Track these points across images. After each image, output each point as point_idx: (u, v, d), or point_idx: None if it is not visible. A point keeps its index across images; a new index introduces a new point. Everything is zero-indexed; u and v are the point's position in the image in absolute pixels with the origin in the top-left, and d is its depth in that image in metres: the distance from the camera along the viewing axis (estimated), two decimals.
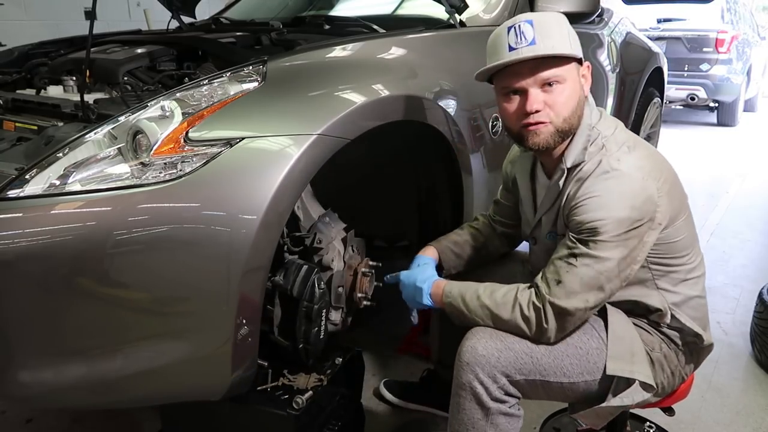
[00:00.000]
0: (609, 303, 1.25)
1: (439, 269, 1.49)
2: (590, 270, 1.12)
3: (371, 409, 1.83)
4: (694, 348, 1.29)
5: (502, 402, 1.19)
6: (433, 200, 1.86)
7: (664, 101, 3.90)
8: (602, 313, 1.25)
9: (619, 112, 2.97)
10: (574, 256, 1.14)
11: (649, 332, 1.26)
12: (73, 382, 1.13)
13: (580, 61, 1.20)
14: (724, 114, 7.31)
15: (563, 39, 1.16)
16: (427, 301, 1.32)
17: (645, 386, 1.19)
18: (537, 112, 1.17)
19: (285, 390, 1.38)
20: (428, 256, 1.49)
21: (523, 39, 1.14)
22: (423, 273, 1.37)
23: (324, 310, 1.41)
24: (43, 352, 1.11)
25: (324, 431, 1.45)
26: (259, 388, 1.37)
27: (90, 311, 1.11)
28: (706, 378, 2.04)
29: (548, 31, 1.15)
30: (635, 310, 1.26)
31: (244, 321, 1.16)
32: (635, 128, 3.32)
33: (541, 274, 1.20)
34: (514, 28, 1.15)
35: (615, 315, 1.25)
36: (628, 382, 1.19)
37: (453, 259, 1.52)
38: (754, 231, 3.62)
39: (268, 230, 1.14)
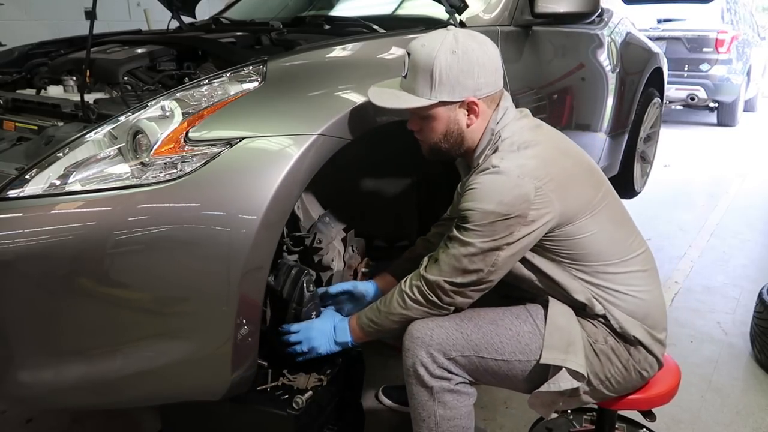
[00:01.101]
0: (550, 296, 1.30)
1: None
2: (456, 252, 1.21)
3: (371, 409, 1.83)
4: (640, 341, 1.29)
5: (445, 379, 1.25)
6: (433, 200, 1.86)
7: (664, 101, 3.90)
8: (544, 305, 1.30)
9: (619, 112, 2.97)
10: (449, 238, 1.24)
11: (594, 324, 1.28)
12: (73, 382, 1.13)
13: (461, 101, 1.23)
14: (724, 114, 7.32)
15: (423, 83, 1.21)
16: (347, 338, 1.34)
17: (575, 374, 1.22)
18: (415, 131, 1.31)
19: (285, 390, 1.38)
20: (375, 284, 1.53)
21: (404, 67, 1.25)
22: (333, 317, 1.39)
23: (313, 313, 1.40)
24: (43, 352, 1.11)
25: (324, 431, 1.45)
26: (259, 388, 1.37)
27: (90, 311, 1.11)
28: (706, 378, 2.04)
29: (415, 72, 1.22)
30: (571, 303, 1.29)
31: (244, 321, 1.16)
32: (635, 128, 3.32)
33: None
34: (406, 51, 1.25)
35: (556, 306, 1.29)
36: (560, 369, 1.23)
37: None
38: (754, 231, 3.62)
39: (268, 230, 1.14)
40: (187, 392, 1.23)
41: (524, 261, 1.28)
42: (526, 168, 1.18)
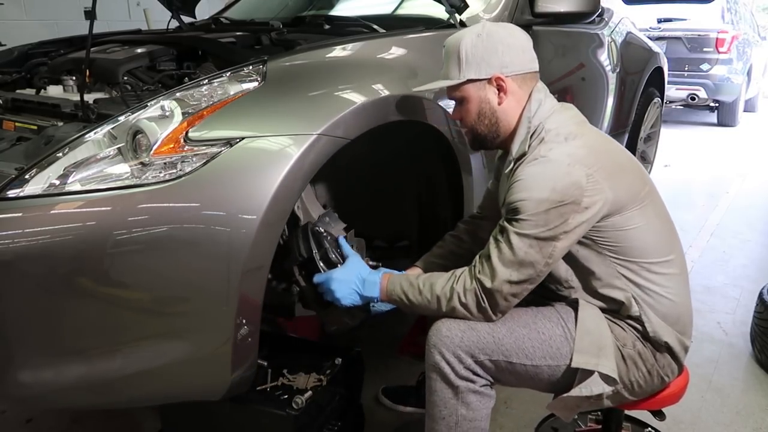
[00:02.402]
0: (582, 299, 1.28)
1: None
2: (511, 247, 1.18)
3: (371, 409, 1.83)
4: (670, 347, 1.28)
5: (470, 381, 1.23)
6: (433, 200, 1.86)
7: (665, 101, 3.90)
8: (574, 306, 1.28)
9: (619, 112, 2.97)
10: (501, 233, 1.21)
11: (622, 328, 1.27)
12: (72, 382, 1.13)
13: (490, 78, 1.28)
14: (724, 114, 7.31)
15: (453, 65, 1.29)
16: (376, 293, 1.31)
17: (606, 379, 1.21)
18: (458, 120, 1.37)
19: (284, 390, 1.38)
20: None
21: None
22: (360, 269, 1.34)
23: (337, 247, 1.39)
24: (43, 352, 1.11)
25: (324, 431, 1.45)
26: (259, 388, 1.37)
27: (90, 311, 1.11)
28: (706, 378, 2.04)
29: (447, 59, 1.30)
30: (607, 303, 1.28)
31: (244, 321, 1.16)
32: (635, 128, 3.32)
33: (480, 252, 1.26)
34: None
35: (586, 309, 1.27)
36: (590, 373, 1.21)
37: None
38: (754, 231, 3.62)
39: (268, 230, 1.14)
40: (187, 392, 1.23)
41: (567, 254, 1.25)
42: (576, 156, 1.18)
